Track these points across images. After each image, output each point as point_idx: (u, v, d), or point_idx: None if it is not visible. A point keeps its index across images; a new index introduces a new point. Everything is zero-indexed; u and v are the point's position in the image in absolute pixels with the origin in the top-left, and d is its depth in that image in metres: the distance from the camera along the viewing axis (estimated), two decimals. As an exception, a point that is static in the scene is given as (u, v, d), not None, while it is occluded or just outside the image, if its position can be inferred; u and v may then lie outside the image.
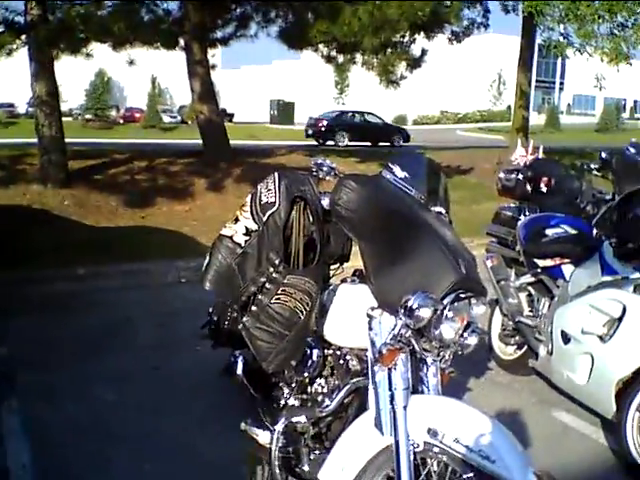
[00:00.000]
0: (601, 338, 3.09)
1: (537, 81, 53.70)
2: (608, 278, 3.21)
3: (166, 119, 36.65)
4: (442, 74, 47.18)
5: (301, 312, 2.22)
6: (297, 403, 2.39)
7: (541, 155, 7.06)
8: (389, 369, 1.97)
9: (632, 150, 6.03)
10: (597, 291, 3.22)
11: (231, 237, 2.39)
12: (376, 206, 2.06)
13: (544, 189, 6.16)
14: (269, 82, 53.71)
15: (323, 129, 25.29)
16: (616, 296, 3.07)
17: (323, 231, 2.37)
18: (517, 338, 3.97)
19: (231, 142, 11.40)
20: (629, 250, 3.00)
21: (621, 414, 2.96)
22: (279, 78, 52.67)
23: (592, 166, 5.77)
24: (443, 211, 2.18)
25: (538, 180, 6.13)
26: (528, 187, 6.13)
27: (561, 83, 54.07)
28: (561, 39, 13.70)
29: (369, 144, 23.96)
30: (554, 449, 3.19)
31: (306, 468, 2.24)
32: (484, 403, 3.66)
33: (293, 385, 2.42)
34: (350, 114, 27.95)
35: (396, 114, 47.36)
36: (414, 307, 1.87)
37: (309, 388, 2.42)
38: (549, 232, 3.77)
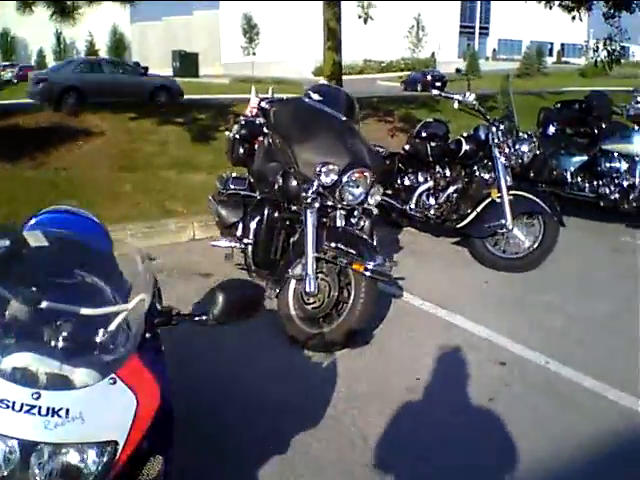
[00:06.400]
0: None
1: (461, 26, 52.64)
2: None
3: (68, 75, 34.43)
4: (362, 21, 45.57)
5: None
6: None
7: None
8: None
9: (315, 96, 4.63)
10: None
11: None
12: None
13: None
14: (187, 34, 51.44)
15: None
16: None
17: None
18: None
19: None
20: None
21: None
22: (198, 29, 50.41)
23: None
24: None
25: (252, 141, 4.75)
26: (241, 150, 4.74)
27: (485, 28, 52.86)
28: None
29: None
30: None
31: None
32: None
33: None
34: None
35: (317, 64, 45.74)
36: None
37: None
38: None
